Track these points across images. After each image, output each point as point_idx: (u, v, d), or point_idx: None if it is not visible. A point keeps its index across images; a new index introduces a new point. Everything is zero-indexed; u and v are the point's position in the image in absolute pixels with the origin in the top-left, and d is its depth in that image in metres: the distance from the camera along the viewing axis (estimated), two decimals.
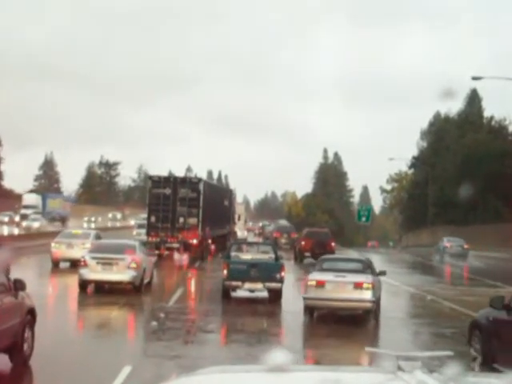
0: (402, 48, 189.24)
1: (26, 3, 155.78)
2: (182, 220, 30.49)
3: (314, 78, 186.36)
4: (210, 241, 33.46)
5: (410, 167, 73.99)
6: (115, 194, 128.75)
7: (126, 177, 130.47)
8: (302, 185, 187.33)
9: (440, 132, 64.85)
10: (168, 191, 30.43)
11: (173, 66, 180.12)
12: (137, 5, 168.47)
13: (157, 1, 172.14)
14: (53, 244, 23.84)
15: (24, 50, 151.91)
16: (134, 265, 17.03)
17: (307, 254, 33.52)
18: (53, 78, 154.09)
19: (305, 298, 14.78)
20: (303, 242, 34.39)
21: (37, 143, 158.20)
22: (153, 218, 30.62)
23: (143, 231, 33.05)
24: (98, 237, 25.36)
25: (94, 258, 17.19)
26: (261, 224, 76.74)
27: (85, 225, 58.74)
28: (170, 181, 30.94)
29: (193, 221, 30.61)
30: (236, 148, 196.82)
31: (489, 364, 9.34)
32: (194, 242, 30.44)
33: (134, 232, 40.45)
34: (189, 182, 31.08)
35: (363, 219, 37.37)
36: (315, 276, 14.92)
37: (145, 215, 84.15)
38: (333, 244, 34.36)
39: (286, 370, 2.24)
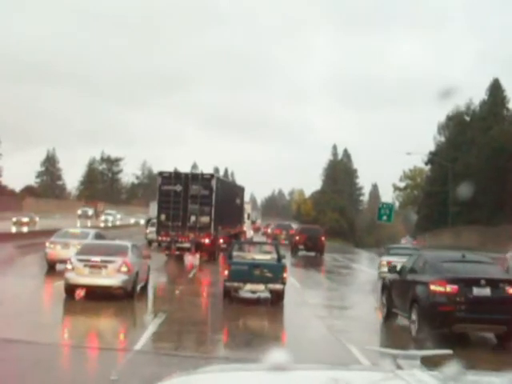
0: (402, 49, 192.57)
1: (28, 6, 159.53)
2: (193, 218, 29.47)
3: (319, 78, 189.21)
4: (221, 240, 32.50)
5: (426, 163, 72.62)
6: (118, 191, 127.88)
7: (128, 173, 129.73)
8: (309, 183, 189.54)
9: (460, 125, 63.24)
10: (179, 188, 29.40)
11: (174, 67, 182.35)
12: (139, 8, 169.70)
13: (154, 3, 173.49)
14: (47, 244, 22.59)
15: (27, 51, 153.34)
16: (124, 268, 15.94)
17: (301, 247, 38.42)
18: (54, 78, 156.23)
19: (379, 273, 22.11)
20: (297, 237, 39.39)
21: (39, 141, 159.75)
22: (163, 217, 29.58)
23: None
24: (98, 236, 23.96)
25: (80, 261, 16.06)
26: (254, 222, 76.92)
27: (13, 228, 44.68)
28: (181, 177, 29.81)
29: (205, 219, 29.59)
30: (240, 147, 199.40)
31: (390, 310, 14.74)
32: (207, 241, 29.45)
33: (148, 230, 39.28)
34: (201, 179, 29.90)
35: (384, 218, 36.16)
36: (385, 258, 22.58)
37: (111, 211, 78.92)
38: (323, 239, 39.46)
39: (285, 368, 2.24)
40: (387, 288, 15.45)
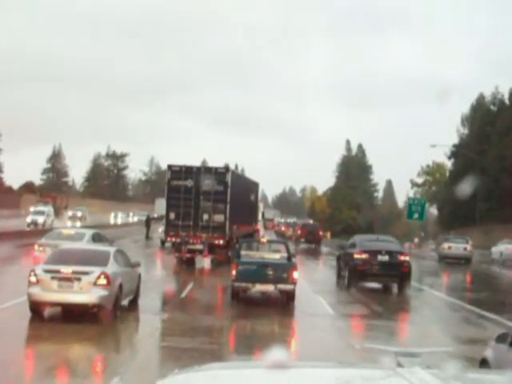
0: (411, 48, 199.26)
1: (38, 7, 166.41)
2: (206, 217, 26.92)
3: (327, 77, 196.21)
4: (234, 240, 30.06)
5: (450, 157, 69.93)
6: (123, 187, 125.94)
7: (135, 169, 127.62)
8: (320, 180, 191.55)
9: (488, 116, 60.26)
10: (190, 183, 26.85)
11: (180, 67, 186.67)
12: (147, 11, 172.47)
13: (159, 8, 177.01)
14: (36, 247, 20.10)
15: (35, 51, 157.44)
16: (103, 281, 13.03)
17: (302, 240, 46.65)
18: (61, 79, 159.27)
19: None
20: (299, 232, 48.44)
21: (45, 139, 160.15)
22: (172, 215, 27.02)
23: None
24: (96, 238, 21.37)
25: (47, 272, 13.11)
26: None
27: None
28: (193, 171, 27.19)
29: (219, 218, 27.03)
30: (248, 145, 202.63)
31: (340, 273, 23.01)
32: (221, 242, 26.92)
33: (160, 230, 36.78)
34: (214, 173, 27.28)
35: (415, 216, 33.21)
36: None
37: (43, 208, 57.51)
38: (321, 233, 49.04)
39: (284, 366, 2.26)
40: (338, 259, 24.14)
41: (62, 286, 12.96)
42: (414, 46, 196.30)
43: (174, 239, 27.20)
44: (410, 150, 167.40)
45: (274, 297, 17.65)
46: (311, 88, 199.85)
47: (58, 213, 62.83)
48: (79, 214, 63.00)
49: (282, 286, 16.47)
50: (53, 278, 13.00)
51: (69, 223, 51.44)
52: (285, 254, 18.21)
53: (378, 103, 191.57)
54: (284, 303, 16.94)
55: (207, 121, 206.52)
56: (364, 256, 20.89)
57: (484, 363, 8.49)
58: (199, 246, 26.90)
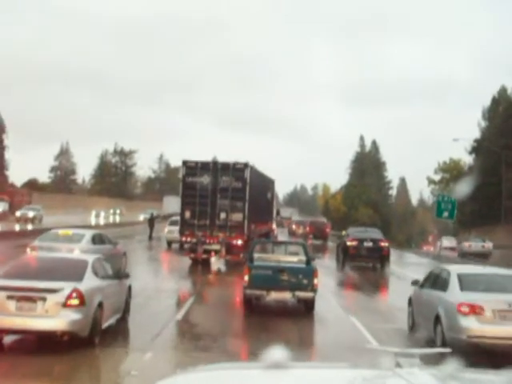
0: (422, 47, 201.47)
1: (49, 10, 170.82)
2: (223, 216, 25.76)
3: (336, 75, 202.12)
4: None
5: (470, 152, 68.51)
6: (132, 185, 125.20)
7: (144, 167, 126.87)
8: (331, 177, 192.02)
9: (511, 108, 58.61)
10: (206, 180, 25.66)
11: (190, 68, 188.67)
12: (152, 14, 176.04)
13: (165, 10, 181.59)
14: (28, 250, 18.32)
15: (44, 52, 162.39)
16: (75, 301, 10.20)
17: (310, 236, 49.00)
18: (68, 78, 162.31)
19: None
20: (308, 229, 51.99)
21: (53, 138, 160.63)
22: (187, 214, 25.84)
23: (176, 229, 28.25)
24: (97, 239, 19.63)
25: (2, 290, 10.17)
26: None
27: None
28: (209, 167, 25.95)
29: (237, 217, 25.85)
30: (259, 143, 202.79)
31: (339, 259, 30.52)
32: (239, 242, 25.73)
33: (166, 229, 35.56)
34: (232, 169, 26.02)
35: (445, 214, 31.61)
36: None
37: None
38: (327, 230, 53.50)
39: (283, 367, 2.28)
40: (337, 247, 31.45)
41: (22, 308, 10.07)
42: (423, 44, 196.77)
43: (189, 239, 26.05)
44: (422, 148, 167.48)
45: (293, 311, 15.90)
46: (320, 86, 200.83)
47: (16, 211, 53.89)
48: (30, 214, 52.01)
49: (300, 294, 15.22)
50: (9, 297, 10.10)
51: (17, 226, 43.42)
52: (303, 257, 16.89)
53: (387, 102, 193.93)
54: (309, 328, 14.81)
55: (215, 119, 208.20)
56: (354, 243, 28.73)
57: (410, 300, 13.84)
58: (216, 246, 25.79)
